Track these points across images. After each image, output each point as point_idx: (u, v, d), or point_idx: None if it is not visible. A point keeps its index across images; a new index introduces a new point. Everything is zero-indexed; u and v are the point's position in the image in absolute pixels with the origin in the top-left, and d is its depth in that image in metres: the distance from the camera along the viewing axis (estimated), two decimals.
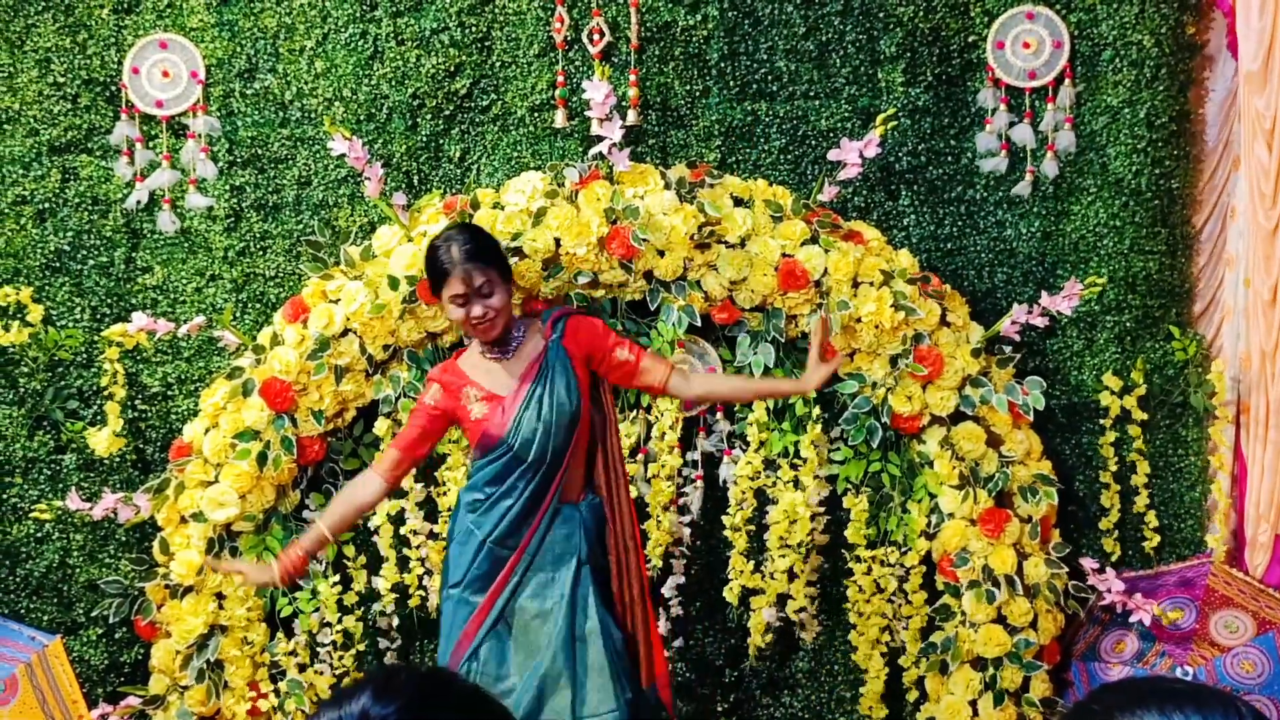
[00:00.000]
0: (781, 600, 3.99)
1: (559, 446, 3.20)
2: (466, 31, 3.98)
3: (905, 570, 3.94)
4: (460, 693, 1.40)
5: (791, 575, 3.96)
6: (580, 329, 3.29)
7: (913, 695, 3.99)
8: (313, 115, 4.00)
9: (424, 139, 4.00)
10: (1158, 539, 4.13)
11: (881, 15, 4.00)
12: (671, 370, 3.30)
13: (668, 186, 3.80)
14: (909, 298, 3.77)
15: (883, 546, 3.95)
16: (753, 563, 3.97)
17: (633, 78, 3.96)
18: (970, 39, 4.04)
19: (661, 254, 3.77)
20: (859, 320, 3.77)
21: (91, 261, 4.03)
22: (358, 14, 3.98)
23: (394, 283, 3.70)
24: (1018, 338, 3.96)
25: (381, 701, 1.34)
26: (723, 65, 4.01)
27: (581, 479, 3.32)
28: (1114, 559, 4.07)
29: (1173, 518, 4.15)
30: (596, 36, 3.97)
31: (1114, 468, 4.08)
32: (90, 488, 3.97)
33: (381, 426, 3.85)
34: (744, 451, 3.95)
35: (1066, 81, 4.03)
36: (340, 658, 3.92)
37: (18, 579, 4.02)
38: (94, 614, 3.96)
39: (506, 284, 3.22)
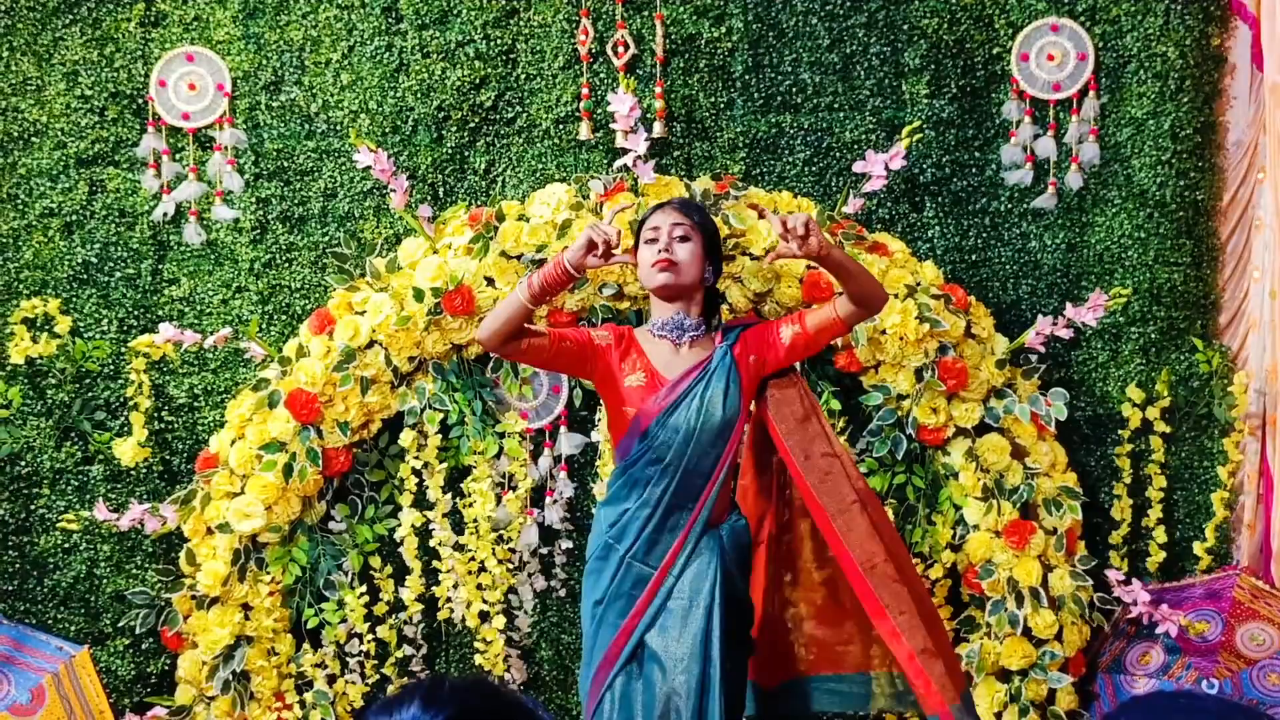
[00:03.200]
0: None
1: (700, 455, 3.02)
2: (491, 44, 3.99)
3: (931, 583, 3.94)
4: (504, 703, 1.42)
5: None
6: (749, 334, 3.15)
7: None
8: (338, 128, 4.02)
9: (449, 151, 4.01)
10: (1182, 551, 4.12)
11: (906, 28, 4.01)
12: (834, 299, 3.09)
13: (692, 198, 3.81)
14: (934, 310, 3.77)
15: None
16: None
17: (658, 90, 3.97)
18: (995, 51, 4.04)
19: None
20: (884, 332, 3.77)
21: (118, 273, 4.05)
22: (383, 27, 4.00)
23: (419, 294, 3.72)
24: (1042, 349, 3.95)
25: (430, 711, 1.36)
26: (747, 78, 4.01)
27: (729, 500, 3.15)
28: (1139, 571, 4.06)
29: (1197, 530, 4.14)
30: (621, 49, 3.98)
31: (1128, 480, 4.06)
32: (117, 498, 3.98)
33: (407, 438, 3.86)
34: None
35: (1091, 93, 4.03)
36: (370, 668, 3.94)
37: (45, 589, 4.04)
38: (121, 624, 3.98)
39: (706, 254, 3.13)
